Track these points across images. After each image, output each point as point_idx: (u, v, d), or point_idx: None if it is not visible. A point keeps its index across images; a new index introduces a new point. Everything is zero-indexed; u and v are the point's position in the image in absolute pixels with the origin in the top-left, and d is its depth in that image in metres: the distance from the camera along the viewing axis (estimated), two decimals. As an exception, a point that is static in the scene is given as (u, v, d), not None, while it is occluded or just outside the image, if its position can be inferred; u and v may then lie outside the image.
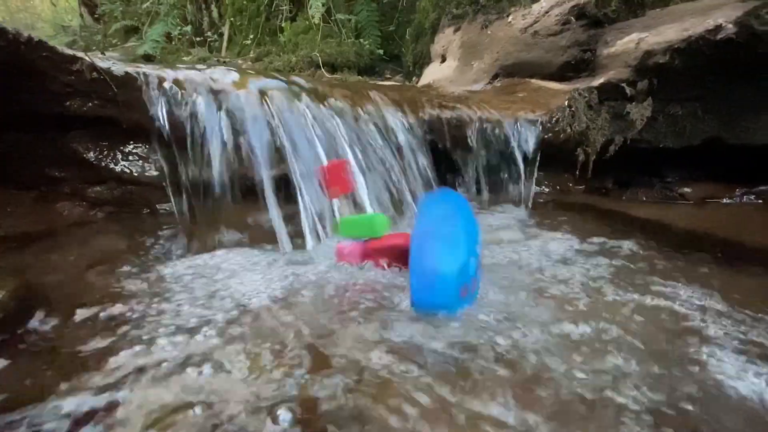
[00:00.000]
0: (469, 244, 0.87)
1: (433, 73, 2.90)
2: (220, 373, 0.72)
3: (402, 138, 1.59)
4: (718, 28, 1.46)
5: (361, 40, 4.02)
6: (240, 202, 1.32)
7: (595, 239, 1.42)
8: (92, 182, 1.46)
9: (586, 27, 1.90)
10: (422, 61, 3.33)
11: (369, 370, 0.72)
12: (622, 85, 1.73)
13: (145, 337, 0.83)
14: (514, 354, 0.78)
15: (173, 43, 5.19)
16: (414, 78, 3.40)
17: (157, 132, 1.33)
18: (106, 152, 1.45)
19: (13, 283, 0.88)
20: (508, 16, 2.30)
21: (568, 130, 1.72)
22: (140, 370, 0.73)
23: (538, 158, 1.76)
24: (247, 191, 1.32)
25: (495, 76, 2.33)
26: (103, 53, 1.42)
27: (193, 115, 1.31)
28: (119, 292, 1.03)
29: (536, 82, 2.07)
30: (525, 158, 1.73)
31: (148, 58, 4.69)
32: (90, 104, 1.28)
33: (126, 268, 1.16)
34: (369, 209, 1.39)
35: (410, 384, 0.68)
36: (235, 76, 1.56)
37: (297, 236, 1.27)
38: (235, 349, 0.79)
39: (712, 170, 1.84)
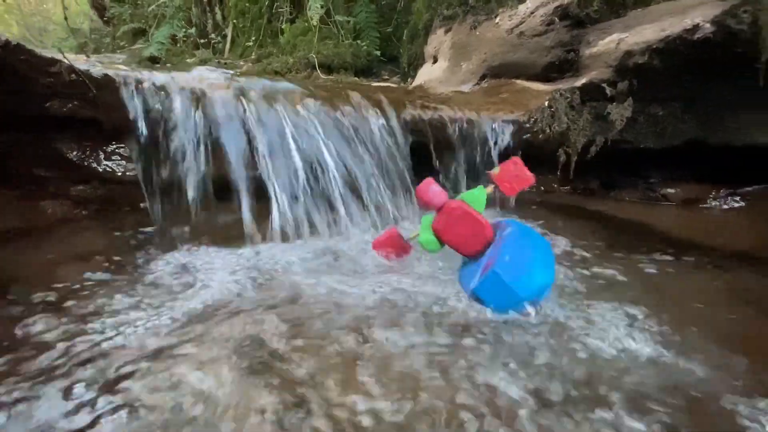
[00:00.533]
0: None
1: (425, 74, 2.91)
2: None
3: (379, 139, 1.61)
4: (696, 27, 1.45)
5: (359, 41, 4.05)
6: (213, 202, 1.35)
7: (561, 239, 1.42)
8: (76, 181, 1.50)
9: (570, 27, 1.90)
10: (417, 62, 3.34)
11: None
12: (603, 85, 1.73)
13: (94, 329, 0.86)
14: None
15: (178, 45, 5.26)
16: (409, 79, 3.42)
17: (135, 132, 1.36)
18: (88, 152, 1.49)
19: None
20: (495, 17, 2.30)
21: (548, 131, 1.72)
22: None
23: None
24: (221, 191, 1.35)
25: (483, 77, 2.34)
26: (88, 56, 1.46)
27: (169, 117, 1.34)
28: (84, 286, 1.07)
29: (521, 82, 2.08)
30: (507, 158, 1.73)
31: (153, 60, 4.77)
32: (70, 105, 1.32)
33: (98, 265, 1.19)
34: (342, 210, 1.41)
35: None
36: (220, 77, 1.59)
37: (267, 235, 1.30)
38: (187, 341, 0.81)
39: (696, 171, 1.83)
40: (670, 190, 1.81)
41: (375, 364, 0.76)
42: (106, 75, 1.34)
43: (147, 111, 1.36)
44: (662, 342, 0.86)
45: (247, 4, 5.04)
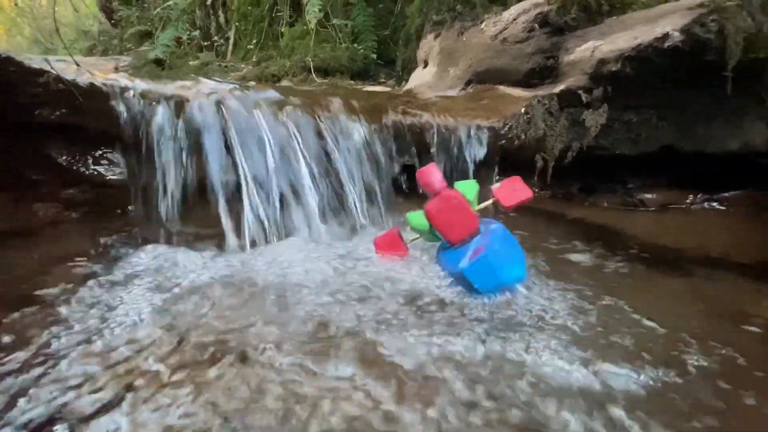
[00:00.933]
0: None
1: (416, 78, 2.95)
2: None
3: (357, 144, 1.66)
4: (666, 36, 1.48)
5: (356, 45, 4.10)
6: (194, 205, 1.41)
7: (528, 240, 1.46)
8: (66, 185, 1.58)
9: (549, 34, 1.93)
10: (410, 65, 3.38)
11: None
12: (579, 92, 1.75)
13: (66, 328, 0.93)
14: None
15: (182, 47, 5.35)
16: (403, 82, 3.46)
17: (120, 138, 1.43)
18: (78, 157, 1.56)
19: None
20: (481, 23, 2.34)
21: (523, 137, 1.76)
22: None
23: (496, 164, 1.80)
24: (201, 194, 1.41)
25: (468, 83, 2.37)
26: (78, 65, 1.53)
27: (152, 123, 1.41)
28: (66, 286, 1.13)
29: (503, 89, 2.11)
30: (482, 163, 1.77)
31: (158, 62, 4.87)
32: (58, 113, 1.39)
33: (83, 266, 1.26)
34: (317, 214, 1.47)
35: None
36: (208, 87, 1.65)
37: (242, 238, 1.36)
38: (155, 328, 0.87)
39: (674, 176, 1.85)
40: (648, 196, 1.83)
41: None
42: (92, 84, 1.41)
43: (131, 118, 1.42)
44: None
45: (249, 8, 5.12)
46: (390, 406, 0.71)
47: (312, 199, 1.46)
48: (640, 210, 1.83)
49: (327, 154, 1.61)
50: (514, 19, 2.10)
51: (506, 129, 1.75)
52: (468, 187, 1.21)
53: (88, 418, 0.69)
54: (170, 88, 1.57)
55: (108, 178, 1.59)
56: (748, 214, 1.72)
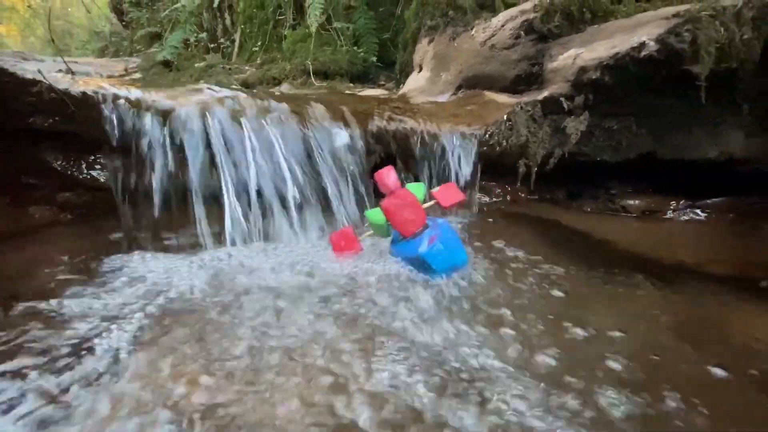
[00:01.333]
0: None
1: (411, 83, 2.99)
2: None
3: (340, 151, 1.70)
4: (642, 45, 1.49)
5: (356, 48, 4.14)
6: (176, 211, 1.47)
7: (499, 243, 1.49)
8: (62, 188, 1.65)
9: (535, 41, 1.95)
10: (408, 69, 3.41)
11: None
12: (561, 99, 1.77)
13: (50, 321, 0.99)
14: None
15: (189, 49, 5.44)
16: (401, 86, 3.49)
17: (110, 145, 1.49)
18: (72, 162, 1.63)
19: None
20: (472, 29, 2.36)
21: (504, 144, 1.78)
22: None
23: (479, 170, 1.83)
24: (184, 199, 1.47)
25: (459, 88, 2.40)
26: (73, 73, 1.60)
27: (140, 131, 1.47)
28: (52, 285, 1.20)
29: (489, 95, 2.13)
30: (464, 168, 1.80)
31: (166, 64, 4.96)
32: (51, 121, 1.47)
33: (69, 266, 1.33)
34: (297, 219, 1.52)
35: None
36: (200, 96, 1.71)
37: (221, 242, 1.41)
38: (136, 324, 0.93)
39: (657, 183, 1.86)
40: (630, 202, 1.85)
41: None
42: (84, 93, 1.47)
43: (121, 126, 1.49)
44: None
45: (254, 10, 5.18)
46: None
47: (293, 204, 1.51)
48: (622, 216, 1.84)
49: (310, 161, 1.66)
50: (502, 26, 2.12)
51: (487, 136, 1.77)
52: (417, 188, 1.37)
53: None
54: (162, 96, 1.63)
55: (101, 182, 1.66)
56: (729, 222, 1.72)
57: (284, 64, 4.03)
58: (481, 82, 2.26)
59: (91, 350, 0.91)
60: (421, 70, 2.92)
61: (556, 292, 1.21)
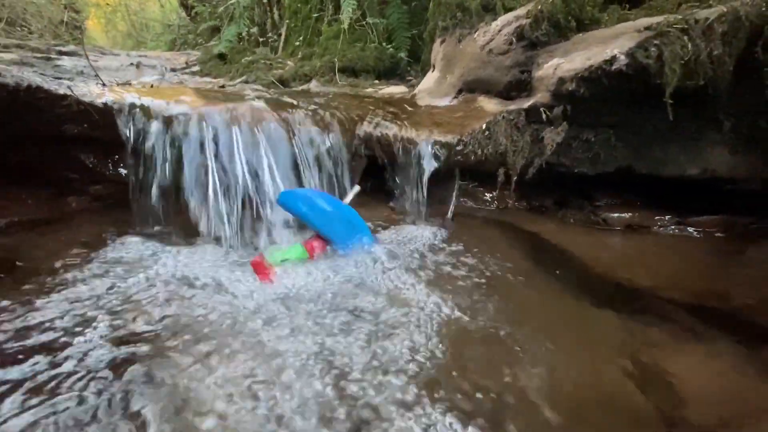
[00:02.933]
0: None
1: (424, 82, 3.04)
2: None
3: (324, 155, 1.85)
4: (614, 59, 1.46)
5: (384, 44, 4.22)
6: (175, 207, 1.71)
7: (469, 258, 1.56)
8: (93, 182, 1.97)
9: (525, 48, 1.93)
10: (427, 67, 3.45)
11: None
12: (542, 109, 1.77)
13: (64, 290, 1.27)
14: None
15: (242, 43, 5.81)
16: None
17: (126, 148, 1.76)
18: (100, 160, 1.93)
19: None
20: (475, 32, 2.37)
21: (479, 153, 1.82)
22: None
23: (456, 176, 1.89)
24: (179, 196, 1.71)
25: (460, 91, 2.43)
26: (104, 84, 1.87)
27: (147, 136, 1.72)
28: (72, 262, 1.49)
29: (482, 100, 2.15)
30: (438, 175, 1.86)
31: (222, 57, 5.37)
32: (80, 127, 1.76)
33: (91, 247, 1.62)
34: (279, 221, 1.70)
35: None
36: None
37: (211, 236, 1.64)
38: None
39: (645, 196, 1.80)
40: (614, 215, 1.80)
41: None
42: (105, 104, 1.74)
43: (134, 131, 1.74)
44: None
45: (299, 5, 5.40)
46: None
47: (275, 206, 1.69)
48: (603, 230, 1.81)
49: (295, 165, 1.82)
50: (499, 31, 2.12)
51: (461, 146, 1.82)
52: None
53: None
54: (176, 106, 1.86)
55: (123, 177, 1.96)
56: (717, 242, 1.64)
57: (316, 60, 4.21)
58: (479, 86, 2.27)
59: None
60: (433, 69, 2.96)
61: (482, 304, 1.28)
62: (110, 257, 1.55)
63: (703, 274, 1.44)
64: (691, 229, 1.72)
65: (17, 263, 1.49)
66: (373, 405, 0.89)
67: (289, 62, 4.96)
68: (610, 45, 1.49)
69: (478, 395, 0.93)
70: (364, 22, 4.51)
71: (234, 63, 5.17)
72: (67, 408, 0.88)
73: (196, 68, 5.52)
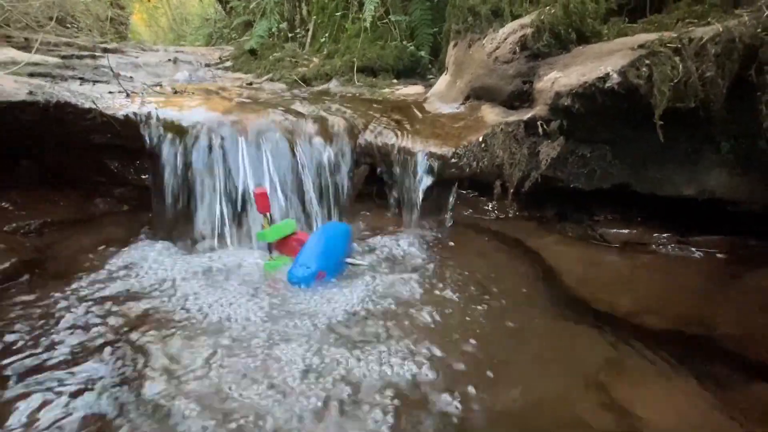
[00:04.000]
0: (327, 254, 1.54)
1: (437, 84, 3.05)
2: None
3: (325, 164, 1.93)
4: (607, 76, 1.43)
5: (406, 42, 4.21)
6: (184, 212, 1.85)
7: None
8: (118, 185, 2.15)
9: (528, 58, 1.91)
10: (444, 68, 3.43)
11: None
12: (539, 123, 1.76)
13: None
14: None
15: (272, 38, 5.94)
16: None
17: (145, 154, 1.91)
18: (124, 166, 2.11)
19: (28, 253, 1.56)
20: (484, 38, 2.35)
21: (474, 165, 1.83)
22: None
23: (453, 185, 1.92)
24: (190, 200, 1.84)
25: (467, 98, 2.43)
26: (128, 94, 2.03)
27: (163, 146, 1.86)
28: (98, 257, 1.67)
29: (486, 109, 2.15)
30: (435, 185, 1.90)
31: (252, 52, 5.54)
32: (105, 137, 1.92)
33: (114, 245, 1.79)
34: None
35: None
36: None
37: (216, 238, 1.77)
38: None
39: (646, 212, 1.76)
40: (612, 231, 1.77)
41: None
42: (126, 116, 1.90)
43: (152, 141, 1.89)
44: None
45: (325, 1, 5.45)
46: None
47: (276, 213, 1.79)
48: (600, 246, 1.78)
49: (297, 175, 1.91)
50: (505, 39, 2.10)
51: (456, 158, 1.84)
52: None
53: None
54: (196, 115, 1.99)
55: (144, 181, 2.12)
56: (715, 264, 1.59)
57: (337, 59, 4.27)
58: (485, 94, 2.27)
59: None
60: (446, 72, 2.95)
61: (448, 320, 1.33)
62: (129, 256, 1.71)
63: (690, 299, 1.40)
64: (692, 249, 1.67)
65: (47, 263, 1.68)
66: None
67: (314, 59, 5.03)
68: (604, 61, 1.46)
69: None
70: (387, 20, 4.51)
71: (263, 59, 5.30)
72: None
73: (228, 63, 5.72)
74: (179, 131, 1.88)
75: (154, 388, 1.05)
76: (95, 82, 2.85)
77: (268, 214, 1.61)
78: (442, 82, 2.90)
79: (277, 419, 0.97)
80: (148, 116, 1.92)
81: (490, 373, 1.14)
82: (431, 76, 4.18)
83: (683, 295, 1.44)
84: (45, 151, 1.94)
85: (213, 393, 1.04)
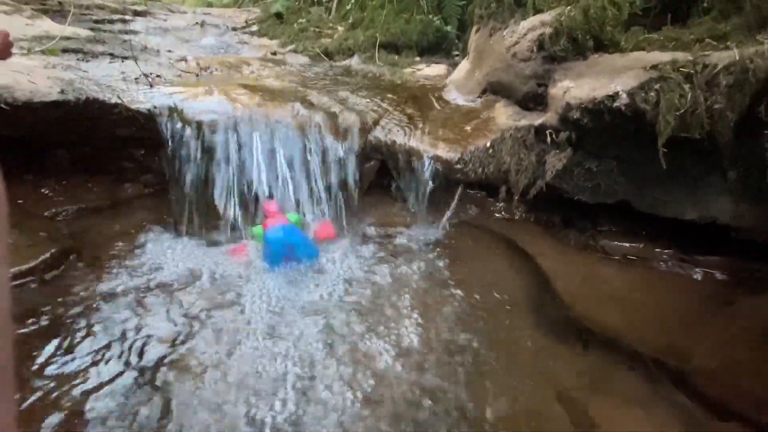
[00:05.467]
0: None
1: (459, 69, 2.98)
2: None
3: (336, 160, 1.99)
4: (616, 95, 1.40)
5: (432, 15, 4.05)
6: (204, 204, 1.98)
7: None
8: (144, 172, 2.29)
9: (545, 60, 1.86)
10: (467, 52, 3.32)
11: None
12: (548, 131, 1.74)
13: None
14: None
15: (298, 2, 5.83)
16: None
17: (165, 147, 2.03)
18: (149, 155, 2.24)
19: (66, 241, 1.74)
20: (505, 29, 2.26)
21: (480, 171, 1.84)
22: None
23: (456, 194, 1.95)
24: (209, 196, 1.96)
25: (484, 91, 2.39)
26: (152, 86, 2.12)
27: (183, 139, 1.96)
28: (126, 241, 1.84)
29: (499, 107, 2.12)
30: (439, 187, 1.93)
31: (279, 16, 5.50)
32: (130, 130, 2.04)
33: (143, 230, 1.96)
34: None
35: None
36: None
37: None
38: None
39: (650, 225, 1.75)
40: (614, 243, 1.78)
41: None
42: (148, 110, 2.00)
43: (172, 134, 2.00)
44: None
45: (352, -34, 5.23)
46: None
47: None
48: (600, 257, 1.79)
49: (308, 170, 1.99)
50: (524, 35, 2.02)
51: (461, 164, 1.85)
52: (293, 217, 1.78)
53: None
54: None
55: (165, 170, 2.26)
56: (716, 286, 1.58)
57: (360, 33, 4.18)
58: (501, 90, 2.23)
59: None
60: (468, 58, 2.87)
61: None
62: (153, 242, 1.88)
63: (678, 325, 1.42)
64: (693, 267, 1.66)
65: (84, 248, 1.85)
66: None
67: (339, 27, 4.93)
68: (616, 79, 1.42)
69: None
70: (416, -11, 4.32)
71: (288, 24, 5.24)
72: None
73: (254, 28, 5.70)
74: (198, 125, 1.98)
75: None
76: (124, 58, 2.96)
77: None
78: (462, 68, 2.83)
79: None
80: (171, 109, 2.02)
81: (467, 381, 1.23)
82: (456, 53, 4.04)
83: (672, 319, 1.46)
84: (77, 142, 2.08)
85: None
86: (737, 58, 1.14)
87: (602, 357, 1.35)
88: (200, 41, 4.65)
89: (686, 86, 1.21)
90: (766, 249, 1.49)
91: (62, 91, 1.80)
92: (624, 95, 1.36)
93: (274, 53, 4.31)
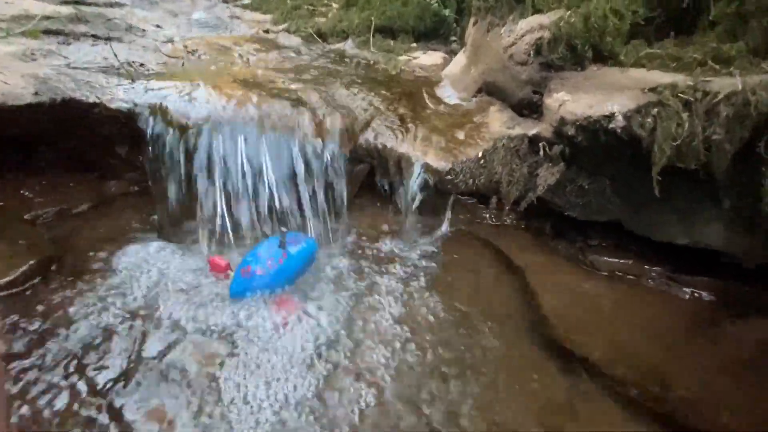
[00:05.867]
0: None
1: (455, 62, 2.88)
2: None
3: (322, 164, 1.94)
4: (612, 116, 1.35)
5: (430, -1, 3.88)
6: (183, 205, 1.93)
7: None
8: (128, 170, 2.23)
9: (542, 67, 1.78)
10: (464, 43, 3.19)
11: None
12: (541, 144, 1.68)
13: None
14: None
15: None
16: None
17: (146, 145, 1.96)
18: (133, 152, 2.17)
19: (50, 249, 1.71)
20: (503, 26, 2.16)
21: (471, 182, 1.80)
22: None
23: (449, 202, 1.91)
24: (191, 198, 1.92)
25: (479, 91, 2.32)
26: (132, 80, 2.04)
27: (164, 138, 1.90)
28: (109, 262, 1.80)
29: (493, 111, 2.05)
30: (429, 195, 1.89)
31: None
32: (112, 128, 1.97)
33: (125, 244, 1.92)
34: (271, 225, 1.87)
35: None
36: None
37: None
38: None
39: (641, 242, 1.73)
40: (601, 259, 1.75)
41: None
42: (129, 109, 1.92)
43: (153, 136, 1.93)
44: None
45: (359, -53, 4.95)
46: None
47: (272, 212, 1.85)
48: (588, 272, 1.77)
49: (293, 173, 1.94)
50: (522, 36, 1.94)
51: (451, 175, 1.80)
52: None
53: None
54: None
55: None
56: (703, 308, 1.58)
57: (355, 14, 4.01)
58: (497, 92, 2.15)
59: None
60: (465, 51, 2.76)
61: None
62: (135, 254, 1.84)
63: (661, 349, 1.42)
64: (682, 287, 1.65)
65: (66, 254, 1.81)
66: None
67: (333, 4, 4.74)
68: (613, 98, 1.36)
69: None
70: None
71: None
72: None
73: (246, 1, 5.48)
74: (180, 127, 1.90)
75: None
76: (107, 39, 2.83)
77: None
78: (458, 62, 2.74)
79: None
80: (151, 110, 1.94)
81: (446, 398, 1.24)
82: (454, 39, 3.90)
83: (656, 342, 1.45)
84: (58, 140, 2.01)
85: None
86: (740, 87, 1.08)
87: (586, 381, 1.36)
88: (190, 15, 4.46)
89: (684, 115, 1.15)
90: (754, 273, 1.47)
91: (36, 93, 1.72)
92: (620, 117, 1.31)
93: (267, 31, 4.15)
